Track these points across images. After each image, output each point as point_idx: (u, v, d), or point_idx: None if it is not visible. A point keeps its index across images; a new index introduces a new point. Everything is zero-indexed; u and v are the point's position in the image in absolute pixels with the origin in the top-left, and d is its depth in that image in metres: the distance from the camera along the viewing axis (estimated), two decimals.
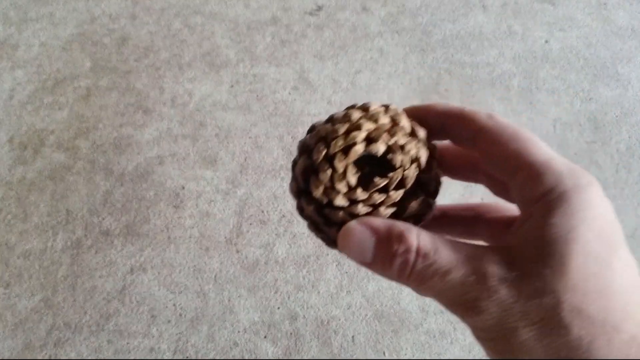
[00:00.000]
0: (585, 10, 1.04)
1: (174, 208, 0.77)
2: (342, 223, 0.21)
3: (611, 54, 0.97)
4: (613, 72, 0.95)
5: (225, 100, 0.90)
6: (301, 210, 0.23)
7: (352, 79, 0.93)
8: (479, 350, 0.66)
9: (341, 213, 0.21)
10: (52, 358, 0.65)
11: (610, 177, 0.81)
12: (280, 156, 0.83)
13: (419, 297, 0.69)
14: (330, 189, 0.21)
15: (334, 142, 0.21)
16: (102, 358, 0.65)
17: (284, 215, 0.76)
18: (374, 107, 0.22)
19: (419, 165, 0.22)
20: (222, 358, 0.65)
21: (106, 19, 1.02)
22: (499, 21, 1.03)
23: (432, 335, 0.67)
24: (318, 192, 0.21)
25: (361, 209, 0.21)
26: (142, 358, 0.66)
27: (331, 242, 0.23)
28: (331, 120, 0.23)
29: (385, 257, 0.20)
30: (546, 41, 0.99)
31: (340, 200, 0.21)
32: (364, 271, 0.71)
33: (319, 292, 0.69)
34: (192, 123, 0.87)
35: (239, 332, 0.67)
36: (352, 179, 0.21)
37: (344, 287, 0.70)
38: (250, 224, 0.76)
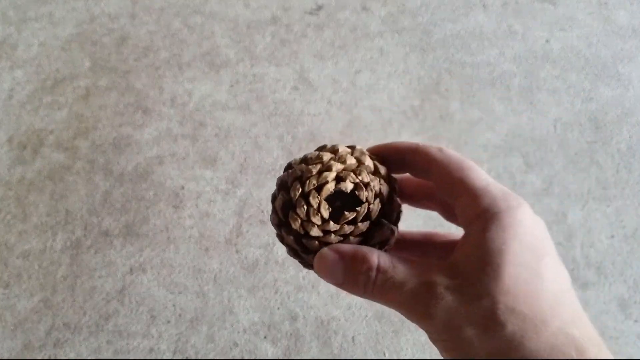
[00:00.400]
0: (586, 10, 1.04)
1: (174, 208, 0.77)
2: (317, 250, 0.24)
3: (612, 54, 0.97)
4: (614, 71, 0.94)
5: (225, 100, 0.90)
6: (281, 239, 0.27)
7: (352, 78, 0.93)
8: None
9: (316, 242, 0.25)
10: (52, 358, 0.65)
11: (611, 177, 0.81)
12: (280, 156, 0.83)
13: None
14: (307, 222, 0.24)
15: (308, 181, 0.24)
16: (102, 358, 0.65)
17: None
18: (342, 149, 0.26)
19: (382, 199, 0.25)
20: (222, 358, 0.65)
21: (105, 19, 1.02)
22: (500, 21, 1.02)
23: None
24: (296, 225, 0.24)
25: (333, 238, 0.24)
26: (142, 358, 0.65)
27: (308, 266, 0.26)
28: (305, 160, 0.26)
29: (352, 276, 0.23)
30: (547, 41, 0.99)
31: (315, 232, 0.24)
32: None
33: (319, 293, 0.69)
34: (192, 123, 0.87)
35: (238, 332, 0.67)
36: (325, 213, 0.24)
37: None
38: (250, 224, 0.76)
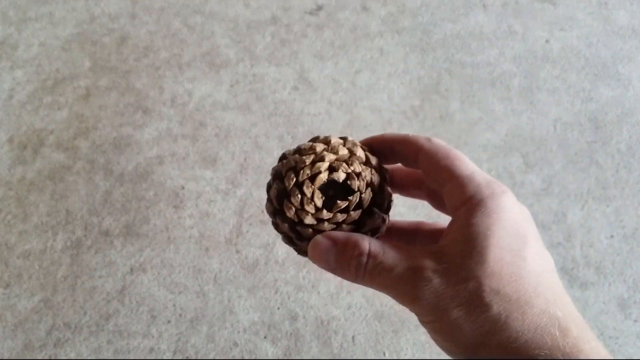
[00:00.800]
0: (586, 10, 1.04)
1: (174, 208, 0.77)
2: (311, 238, 0.25)
3: (612, 54, 0.97)
4: (614, 71, 0.94)
5: (225, 100, 0.90)
6: (276, 226, 0.27)
7: (352, 78, 0.93)
8: None
9: (310, 230, 0.25)
10: (52, 358, 0.65)
11: (610, 177, 0.81)
12: None
13: None
14: (301, 210, 0.25)
15: (302, 171, 0.25)
16: (102, 358, 0.65)
17: None
18: (334, 140, 0.27)
19: (373, 188, 0.26)
20: (222, 358, 0.65)
21: (105, 19, 1.02)
22: (500, 21, 1.02)
23: None
24: (290, 213, 0.25)
25: (327, 226, 0.25)
26: (142, 358, 0.65)
27: (302, 252, 0.27)
28: (299, 151, 0.27)
29: (344, 261, 0.24)
30: (547, 41, 0.99)
31: (309, 220, 0.25)
32: None
33: (319, 293, 0.69)
34: (192, 123, 0.87)
35: (238, 332, 0.67)
36: (319, 202, 0.25)
37: (344, 287, 0.70)
38: (250, 224, 0.76)
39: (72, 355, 0.65)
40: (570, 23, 1.02)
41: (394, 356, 0.65)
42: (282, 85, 0.92)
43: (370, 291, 0.70)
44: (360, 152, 0.26)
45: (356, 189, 0.25)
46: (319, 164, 0.25)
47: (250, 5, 1.04)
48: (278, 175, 0.27)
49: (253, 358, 0.65)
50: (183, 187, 0.79)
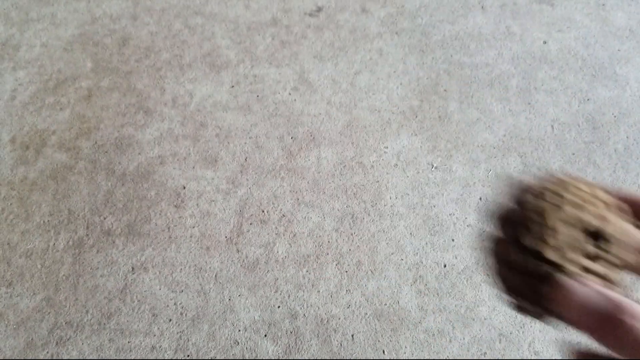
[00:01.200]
0: (584, 11, 1.05)
1: (175, 208, 0.78)
2: (549, 278, 0.22)
3: (609, 55, 0.98)
4: (611, 72, 0.95)
5: (226, 101, 0.91)
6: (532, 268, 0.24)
7: (352, 79, 0.94)
8: (477, 349, 0.67)
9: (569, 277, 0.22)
10: (54, 357, 0.66)
11: (608, 177, 0.82)
12: (280, 156, 0.83)
13: (418, 295, 0.70)
14: (562, 254, 0.22)
15: (564, 211, 0.23)
16: (104, 357, 0.66)
17: (284, 215, 0.77)
18: (584, 185, 0.24)
19: (625, 243, 0.23)
20: (223, 357, 0.66)
21: (107, 20, 1.02)
22: (498, 22, 1.03)
23: (431, 333, 0.67)
24: (554, 256, 0.22)
25: (592, 278, 0.22)
26: (144, 357, 0.66)
27: (538, 298, 0.23)
28: (548, 193, 0.24)
29: (618, 329, 0.19)
30: (544, 42, 1.00)
31: (572, 267, 0.22)
32: (364, 270, 0.72)
33: (318, 291, 0.70)
34: (193, 123, 0.87)
35: (239, 330, 0.68)
36: (587, 248, 0.22)
37: (343, 286, 0.70)
38: (251, 223, 0.76)
39: (74, 354, 0.66)
40: (568, 24, 1.03)
41: (393, 354, 0.66)
42: (282, 86, 0.93)
43: (369, 290, 0.70)
44: (616, 202, 0.24)
45: (611, 240, 0.23)
46: (578, 212, 0.23)
47: (250, 7, 1.05)
48: (523, 221, 0.24)
49: (253, 356, 0.66)
50: (184, 187, 0.80)
